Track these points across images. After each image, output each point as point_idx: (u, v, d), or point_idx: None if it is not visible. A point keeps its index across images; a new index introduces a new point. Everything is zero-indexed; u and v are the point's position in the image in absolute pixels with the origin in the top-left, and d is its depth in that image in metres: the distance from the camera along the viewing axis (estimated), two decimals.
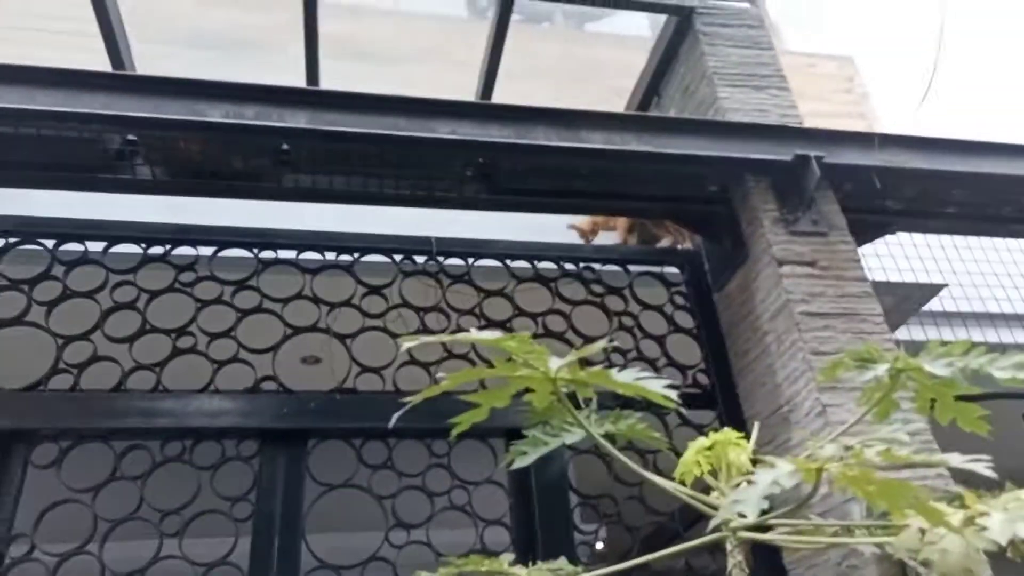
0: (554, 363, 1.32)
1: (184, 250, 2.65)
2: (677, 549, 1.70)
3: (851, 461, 1.23)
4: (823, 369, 1.79)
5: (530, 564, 1.67)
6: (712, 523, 1.38)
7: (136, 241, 2.62)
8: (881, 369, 1.63)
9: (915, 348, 1.93)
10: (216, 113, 2.33)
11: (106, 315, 2.49)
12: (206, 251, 2.66)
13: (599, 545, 3.04)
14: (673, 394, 1.31)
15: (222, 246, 2.68)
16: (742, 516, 1.27)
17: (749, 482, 1.40)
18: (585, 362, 1.53)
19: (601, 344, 1.38)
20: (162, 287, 2.57)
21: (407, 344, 1.30)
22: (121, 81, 2.34)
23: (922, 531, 1.32)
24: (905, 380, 1.69)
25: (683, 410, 2.62)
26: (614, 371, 1.39)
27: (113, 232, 2.61)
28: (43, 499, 2.20)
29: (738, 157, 2.66)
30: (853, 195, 2.81)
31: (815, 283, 2.51)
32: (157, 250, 2.63)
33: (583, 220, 3.58)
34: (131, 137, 2.42)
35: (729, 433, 1.67)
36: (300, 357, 3.76)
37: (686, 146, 2.62)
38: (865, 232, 2.86)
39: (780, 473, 1.18)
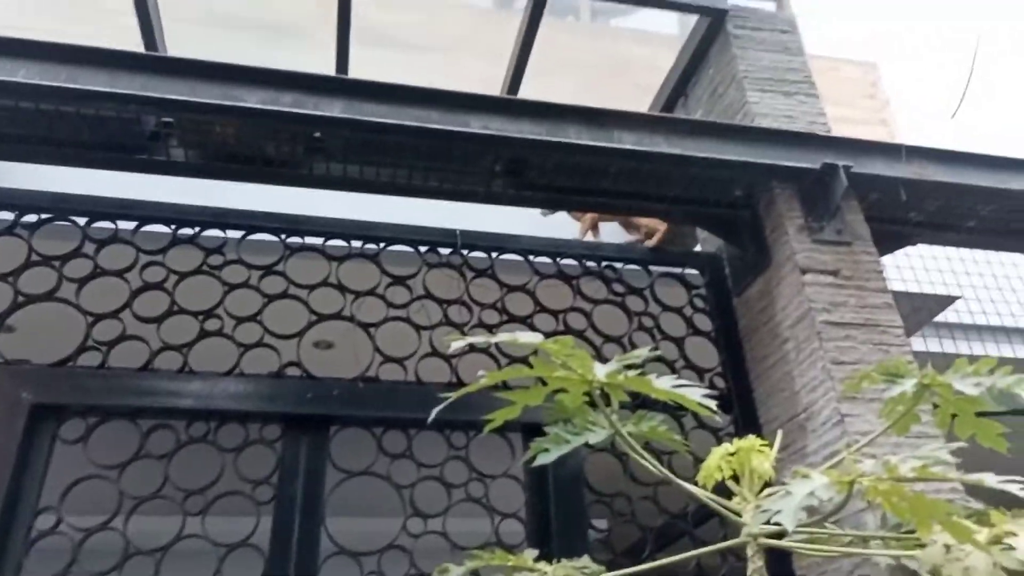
0: (599, 370, 1.35)
1: (213, 232, 2.68)
2: (700, 552, 1.73)
3: (884, 475, 1.26)
4: (848, 381, 1.82)
5: (553, 562, 1.70)
6: (744, 531, 1.41)
7: (166, 222, 2.64)
8: (908, 384, 1.65)
9: (923, 358, 1.96)
10: (252, 99, 2.35)
11: (135, 294, 2.52)
12: (235, 235, 2.69)
13: None
14: (712, 404, 1.34)
15: (250, 230, 2.70)
16: (775, 524, 1.30)
17: (775, 491, 1.43)
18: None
19: (644, 353, 1.40)
20: (190, 269, 2.60)
21: (455, 344, 1.32)
22: (161, 63, 2.35)
23: (947, 547, 1.34)
24: (928, 395, 1.72)
25: (704, 414, 2.66)
26: (653, 377, 1.42)
27: (143, 212, 2.64)
28: (70, 474, 2.23)
29: (766, 163, 2.67)
30: (877, 205, 2.83)
31: (837, 292, 2.53)
32: (186, 232, 2.66)
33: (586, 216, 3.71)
34: (167, 119, 2.45)
35: (753, 440, 1.70)
36: (313, 342, 3.79)
37: (715, 150, 2.64)
38: (887, 243, 2.88)
39: (816, 485, 1.21)
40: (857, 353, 2.40)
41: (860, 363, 2.34)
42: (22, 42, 2.20)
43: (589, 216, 3.77)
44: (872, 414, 2.19)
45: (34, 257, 2.48)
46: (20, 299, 2.41)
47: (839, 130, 3.13)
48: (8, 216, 2.52)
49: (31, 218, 2.53)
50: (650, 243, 3.48)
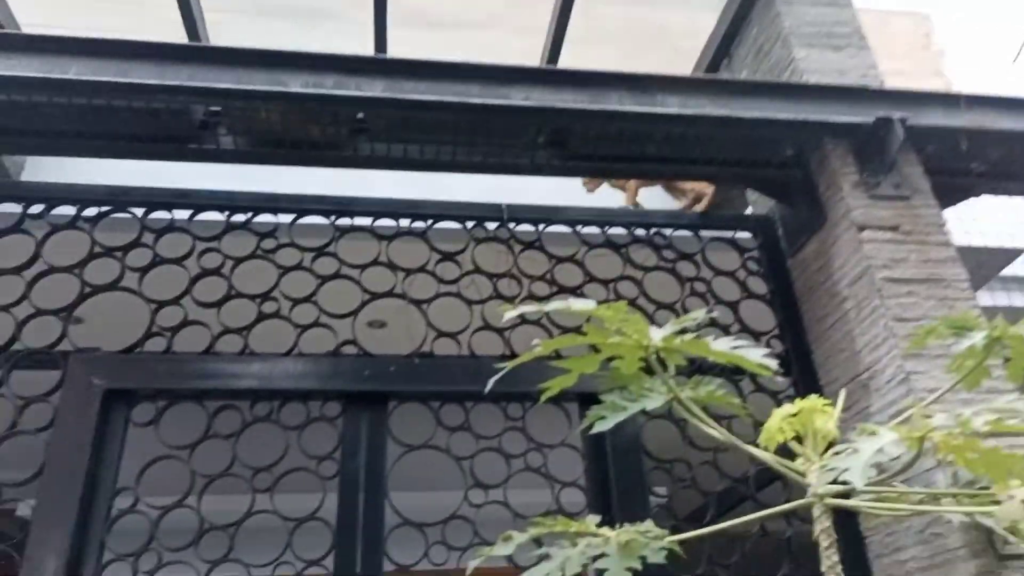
0: (655, 333, 1.34)
1: (265, 217, 2.73)
2: (764, 514, 1.72)
3: (956, 430, 1.23)
4: (914, 337, 1.78)
5: (616, 527, 1.71)
6: (810, 491, 1.39)
7: (220, 209, 2.70)
8: (978, 337, 1.61)
9: (991, 313, 1.89)
10: (296, 83, 2.37)
11: (194, 280, 2.58)
12: (286, 219, 2.73)
13: None
14: (773, 364, 1.32)
15: (301, 214, 2.74)
16: (841, 483, 1.28)
17: (841, 450, 1.40)
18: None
19: (699, 315, 1.39)
20: (245, 254, 2.66)
21: (507, 315, 1.33)
22: (206, 53, 2.39)
23: None
24: (998, 348, 1.67)
25: (763, 375, 2.62)
26: (710, 339, 1.40)
27: (197, 201, 2.70)
28: (144, 455, 2.32)
29: (817, 120, 2.59)
30: (936, 157, 2.73)
31: (897, 248, 2.46)
32: (239, 218, 2.71)
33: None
34: (214, 108, 2.49)
35: (816, 400, 1.67)
36: (367, 321, 3.85)
37: (764, 110, 2.57)
38: (948, 195, 2.78)
39: (885, 441, 1.18)
40: (920, 309, 2.33)
41: (924, 319, 2.28)
42: (73, 40, 2.26)
43: (633, 183, 3.73)
44: (939, 371, 2.13)
45: (97, 249, 2.56)
46: (87, 290, 2.50)
47: (892, 83, 3.02)
48: (70, 210, 2.60)
49: (92, 211, 2.61)
50: (699, 208, 3.43)
